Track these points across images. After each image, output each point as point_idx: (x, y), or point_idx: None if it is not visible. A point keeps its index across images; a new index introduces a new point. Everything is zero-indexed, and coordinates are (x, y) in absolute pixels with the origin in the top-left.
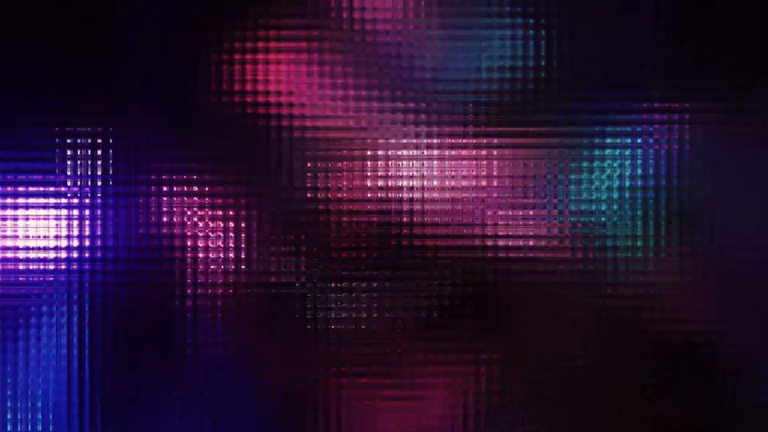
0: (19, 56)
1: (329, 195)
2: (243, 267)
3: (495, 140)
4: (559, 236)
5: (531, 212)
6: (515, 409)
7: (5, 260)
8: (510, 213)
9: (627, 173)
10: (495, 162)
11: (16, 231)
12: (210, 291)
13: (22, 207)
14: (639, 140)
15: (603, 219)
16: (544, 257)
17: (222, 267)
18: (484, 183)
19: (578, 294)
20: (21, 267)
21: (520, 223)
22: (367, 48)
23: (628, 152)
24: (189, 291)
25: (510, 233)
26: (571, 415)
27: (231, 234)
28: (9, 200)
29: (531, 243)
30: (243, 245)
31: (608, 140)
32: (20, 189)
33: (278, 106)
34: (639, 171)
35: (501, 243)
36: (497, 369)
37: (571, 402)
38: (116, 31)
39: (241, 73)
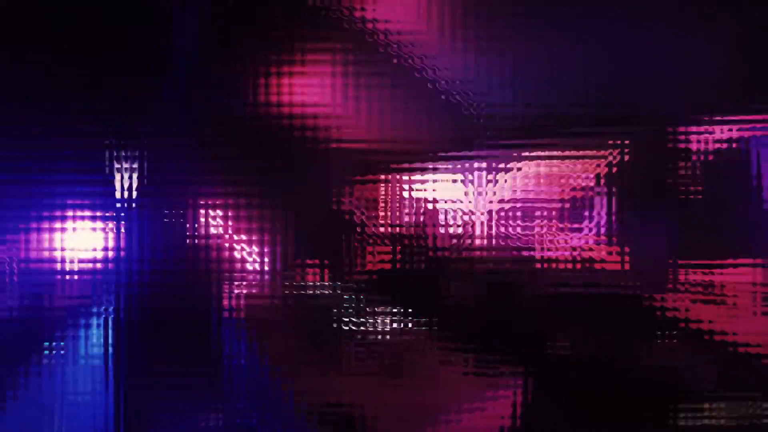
0: (59, 79)
1: (364, 208)
2: (277, 278)
3: (527, 152)
4: (607, 248)
5: (575, 224)
6: (558, 422)
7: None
8: (549, 225)
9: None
10: (531, 175)
11: (68, 239)
12: (243, 301)
13: (76, 218)
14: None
15: (649, 228)
16: (589, 267)
17: (256, 278)
18: (520, 194)
19: (629, 304)
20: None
21: (561, 236)
22: (400, 60)
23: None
24: (224, 301)
25: (549, 246)
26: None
27: (265, 245)
28: (65, 211)
29: (574, 255)
30: (277, 257)
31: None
32: (69, 201)
33: (313, 119)
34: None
35: (537, 254)
36: (540, 381)
37: (621, 415)
38: (157, 55)
39: (276, 88)
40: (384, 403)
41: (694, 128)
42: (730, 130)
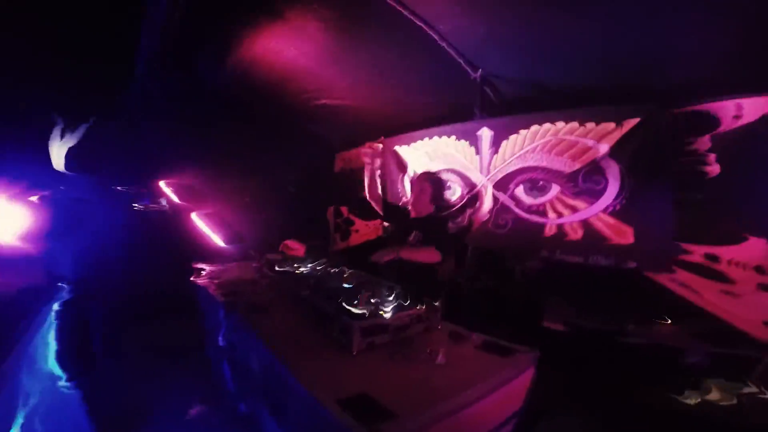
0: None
1: (359, 178)
2: (264, 255)
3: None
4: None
5: (579, 197)
6: (561, 395)
7: None
8: (554, 195)
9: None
10: (537, 145)
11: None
12: (224, 282)
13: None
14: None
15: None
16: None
17: (239, 255)
18: (525, 163)
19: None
20: None
21: (566, 207)
22: (403, 22)
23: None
24: (201, 283)
25: (554, 217)
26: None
27: (248, 221)
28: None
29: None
30: (264, 232)
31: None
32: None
33: (303, 83)
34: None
35: (543, 225)
36: (543, 354)
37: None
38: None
39: (263, 52)
40: (390, 382)
41: (704, 106)
42: (743, 107)
